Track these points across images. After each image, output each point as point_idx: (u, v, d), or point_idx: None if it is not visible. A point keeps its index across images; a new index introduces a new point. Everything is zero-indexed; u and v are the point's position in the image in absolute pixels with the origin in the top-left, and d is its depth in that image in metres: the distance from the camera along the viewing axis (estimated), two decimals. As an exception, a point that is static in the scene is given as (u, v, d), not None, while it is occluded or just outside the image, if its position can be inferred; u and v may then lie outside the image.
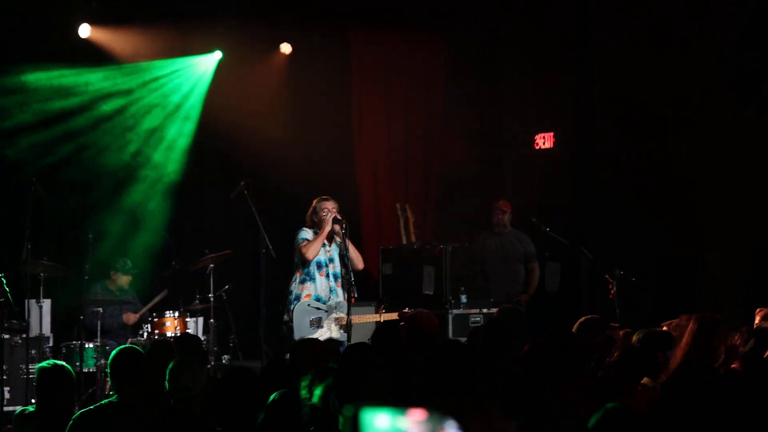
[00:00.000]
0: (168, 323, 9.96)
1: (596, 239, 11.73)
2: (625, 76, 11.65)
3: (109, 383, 9.17)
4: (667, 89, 11.29)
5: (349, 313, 9.09)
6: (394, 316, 9.02)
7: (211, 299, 10.26)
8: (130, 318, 10.42)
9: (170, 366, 5.30)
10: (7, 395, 8.95)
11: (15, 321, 9.73)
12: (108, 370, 5.97)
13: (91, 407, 5.86)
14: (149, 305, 10.38)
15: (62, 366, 6.07)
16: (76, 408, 6.49)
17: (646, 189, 11.52)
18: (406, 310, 8.87)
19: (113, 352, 5.90)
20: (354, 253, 9.50)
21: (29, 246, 9.25)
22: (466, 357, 5.39)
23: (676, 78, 11.17)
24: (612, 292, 9.67)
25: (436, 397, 4.95)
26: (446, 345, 5.86)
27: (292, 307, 9.34)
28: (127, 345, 6.10)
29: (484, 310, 10.45)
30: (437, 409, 2.23)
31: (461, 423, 2.25)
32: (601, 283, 10.11)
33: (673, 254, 11.46)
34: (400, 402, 3.60)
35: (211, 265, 10.32)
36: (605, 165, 12.02)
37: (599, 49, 12.04)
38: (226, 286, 10.52)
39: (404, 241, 12.03)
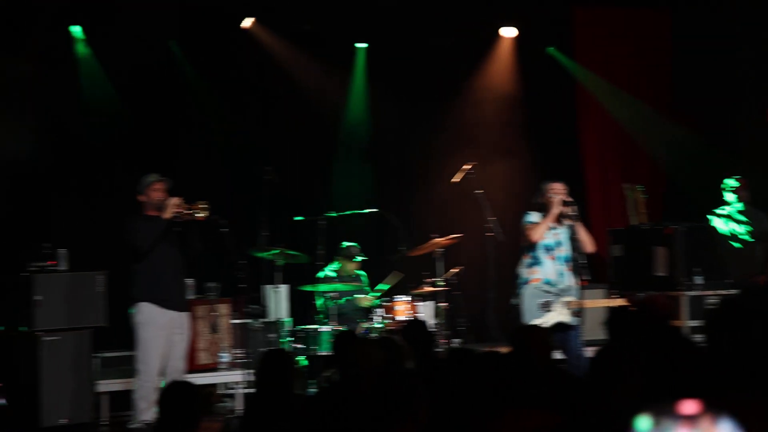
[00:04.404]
0: (399, 307, 10.02)
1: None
2: None
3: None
4: None
5: (580, 297, 8.84)
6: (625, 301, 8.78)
7: (440, 283, 10.21)
8: (363, 299, 10.55)
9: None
10: (250, 377, 9.10)
11: (255, 306, 10.07)
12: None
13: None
14: (381, 286, 10.45)
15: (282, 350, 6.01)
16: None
17: None
18: (638, 294, 8.58)
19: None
20: (584, 236, 9.12)
21: (266, 233, 9.45)
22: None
23: None
24: None
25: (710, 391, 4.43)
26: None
27: (521, 290, 9.11)
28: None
29: (722, 292, 10.07)
30: (710, 404, 2.08)
31: (742, 424, 2.07)
32: None
33: None
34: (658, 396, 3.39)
35: (439, 249, 10.28)
36: None
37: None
38: (455, 270, 10.47)
39: (634, 222, 11.76)
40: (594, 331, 9.01)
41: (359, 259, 10.66)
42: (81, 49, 10.53)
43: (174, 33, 11.01)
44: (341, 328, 9.80)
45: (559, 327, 8.87)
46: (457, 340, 10.34)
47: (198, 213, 8.47)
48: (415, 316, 9.86)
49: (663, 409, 2.17)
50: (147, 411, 8.36)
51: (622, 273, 11.00)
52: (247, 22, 11.40)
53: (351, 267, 10.69)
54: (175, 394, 5.10)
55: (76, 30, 10.45)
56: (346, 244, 10.72)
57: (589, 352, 8.34)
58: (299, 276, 10.68)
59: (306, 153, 11.93)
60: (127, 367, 9.33)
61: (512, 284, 9.37)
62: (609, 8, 12.60)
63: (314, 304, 10.15)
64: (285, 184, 10.16)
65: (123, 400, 9.17)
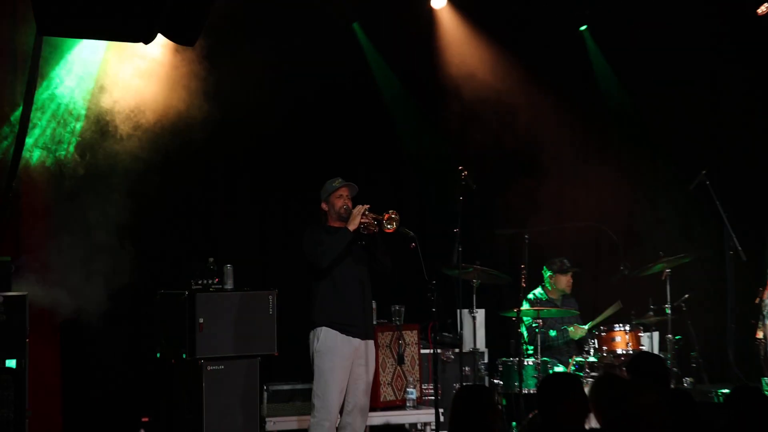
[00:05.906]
0: (618, 338, 9.44)
1: None
2: None
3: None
4: None
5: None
6: None
7: (668, 310, 9.55)
8: (577, 330, 9.90)
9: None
10: (441, 417, 8.36)
11: (447, 334, 9.66)
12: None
13: None
14: (599, 319, 9.80)
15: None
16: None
17: None
18: None
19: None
20: None
21: (460, 248, 8.80)
22: None
23: None
24: None
25: None
26: None
27: (767, 322, 8.65)
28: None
29: None
30: None
31: None
32: None
33: None
34: None
35: (668, 270, 9.57)
36: None
37: None
38: (686, 295, 9.78)
39: None
40: None
41: (571, 272, 10.16)
42: None
43: (365, 25, 10.72)
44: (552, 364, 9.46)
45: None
46: (687, 380, 9.58)
47: (387, 225, 7.88)
48: (640, 349, 9.30)
49: None
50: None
51: None
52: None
53: (563, 282, 10.13)
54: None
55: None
56: (553, 259, 10.28)
57: None
58: (500, 299, 10.36)
59: (508, 157, 11.30)
60: (301, 403, 9.06)
61: (756, 314, 8.95)
62: None
63: (518, 333, 9.53)
64: (484, 192, 9.55)
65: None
